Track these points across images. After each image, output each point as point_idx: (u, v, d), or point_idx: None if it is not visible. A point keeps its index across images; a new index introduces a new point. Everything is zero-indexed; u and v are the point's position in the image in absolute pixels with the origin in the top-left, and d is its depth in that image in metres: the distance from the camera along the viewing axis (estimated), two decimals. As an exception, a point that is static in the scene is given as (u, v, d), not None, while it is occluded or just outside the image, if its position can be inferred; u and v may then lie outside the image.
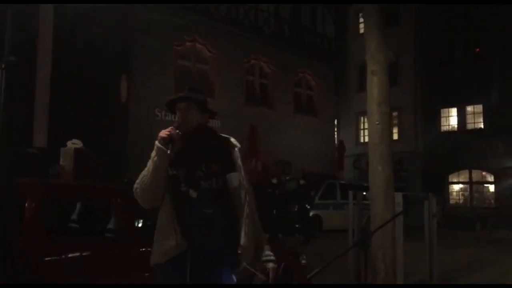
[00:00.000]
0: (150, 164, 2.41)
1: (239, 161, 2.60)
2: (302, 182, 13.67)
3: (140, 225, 5.06)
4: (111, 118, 14.46)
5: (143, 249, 4.13)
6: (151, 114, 14.52)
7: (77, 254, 4.00)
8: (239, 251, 2.44)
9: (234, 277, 2.49)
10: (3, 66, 2.30)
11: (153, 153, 2.41)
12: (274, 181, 13.67)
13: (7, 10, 2.29)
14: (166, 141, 2.39)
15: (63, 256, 3.90)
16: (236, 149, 2.64)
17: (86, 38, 14.63)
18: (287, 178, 15.11)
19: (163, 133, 2.41)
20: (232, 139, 2.68)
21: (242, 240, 2.44)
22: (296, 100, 19.81)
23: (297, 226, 13.31)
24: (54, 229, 4.36)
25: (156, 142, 2.41)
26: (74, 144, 4.67)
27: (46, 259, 3.81)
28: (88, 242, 4.21)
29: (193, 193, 2.43)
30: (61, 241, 4.09)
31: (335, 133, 23.33)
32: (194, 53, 16.51)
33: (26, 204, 3.70)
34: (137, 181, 2.46)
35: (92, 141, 6.93)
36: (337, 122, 24.02)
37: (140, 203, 2.48)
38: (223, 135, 2.69)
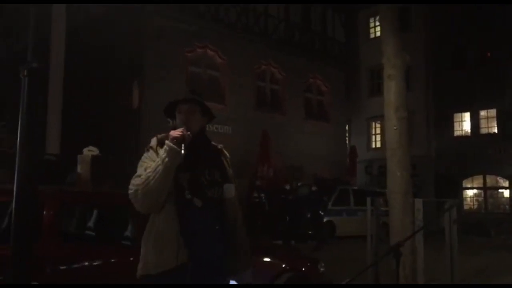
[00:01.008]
0: (158, 165, 2.25)
1: (231, 171, 2.58)
2: (314, 188, 13.57)
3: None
4: (123, 124, 14.52)
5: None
6: (163, 120, 14.46)
7: (93, 261, 3.95)
8: (237, 262, 2.48)
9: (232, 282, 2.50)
10: (25, 73, 2.26)
11: (163, 154, 2.26)
12: (287, 187, 13.59)
13: (30, 13, 2.25)
14: (179, 141, 2.28)
15: (79, 264, 3.86)
16: (228, 159, 2.62)
17: (98, 44, 14.75)
18: (299, 183, 15.02)
19: (175, 133, 2.30)
20: (224, 149, 2.64)
21: (241, 251, 2.50)
22: (307, 105, 19.74)
23: (310, 232, 13.19)
24: (70, 236, 4.34)
25: (167, 142, 2.28)
26: (90, 151, 4.64)
27: (62, 267, 3.78)
28: (104, 249, 4.16)
29: (198, 202, 2.33)
30: (77, 248, 4.07)
31: (347, 138, 23.20)
32: (205, 60, 16.53)
33: (44, 212, 3.69)
34: (136, 182, 2.28)
35: (104, 148, 6.92)
36: (348, 127, 23.90)
37: (138, 207, 2.31)
38: (214, 143, 2.62)
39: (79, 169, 4.45)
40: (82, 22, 15.43)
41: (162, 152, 2.28)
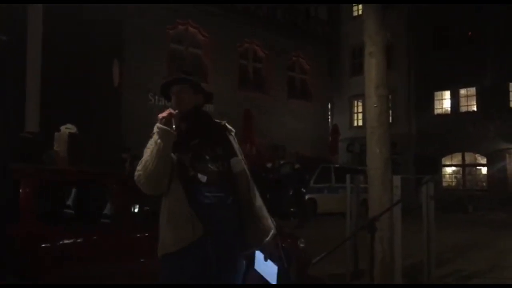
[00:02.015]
0: (152, 148, 2.31)
1: (237, 146, 2.61)
2: (297, 166, 13.64)
3: (136, 210, 5.02)
4: (104, 103, 14.32)
5: (140, 235, 4.11)
6: (144, 99, 14.38)
7: (72, 240, 3.94)
8: (258, 232, 2.48)
9: (244, 262, 2.52)
10: (-7, 46, 2.18)
11: (155, 137, 2.31)
12: (269, 165, 13.65)
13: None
14: (167, 120, 2.31)
15: (58, 242, 3.84)
16: (232, 133, 2.65)
17: (77, 20, 14.38)
18: (282, 162, 15.08)
19: (162, 114, 2.33)
20: (227, 124, 2.67)
21: (260, 221, 2.50)
22: (289, 84, 19.72)
23: (292, 209, 13.32)
24: (49, 215, 4.30)
25: (157, 124, 2.32)
26: (68, 128, 4.57)
27: (41, 245, 3.76)
28: (83, 228, 4.15)
29: (202, 177, 2.38)
30: (56, 227, 4.04)
31: (329, 117, 23.31)
32: (187, 37, 16.32)
33: (20, 190, 3.64)
34: (138, 168, 2.34)
35: (85, 126, 6.83)
36: (331, 106, 23.99)
37: (144, 191, 2.36)
38: (217, 120, 2.66)
39: (55, 146, 4.39)
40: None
41: (154, 135, 2.32)
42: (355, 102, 24.09)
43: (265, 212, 2.57)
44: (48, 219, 4.09)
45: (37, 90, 11.23)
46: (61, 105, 13.09)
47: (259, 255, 2.57)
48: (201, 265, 2.33)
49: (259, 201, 2.57)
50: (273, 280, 2.44)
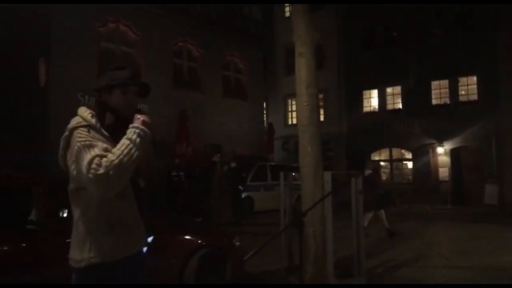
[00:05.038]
0: (131, 148, 2.11)
1: None
2: (233, 165, 13.70)
3: (64, 215, 4.83)
4: (30, 103, 13.61)
5: (67, 241, 3.95)
6: (74, 98, 13.80)
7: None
8: None
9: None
10: None
11: (136, 138, 2.15)
12: (205, 164, 13.61)
13: None
14: (150, 127, 2.23)
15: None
16: None
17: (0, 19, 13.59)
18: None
19: (147, 118, 2.23)
20: None
21: None
22: (224, 84, 19.74)
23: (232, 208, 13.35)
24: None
25: (141, 127, 2.18)
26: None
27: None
28: (7, 234, 3.93)
29: (142, 183, 2.35)
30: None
31: (264, 115, 23.59)
32: (118, 35, 15.86)
33: None
34: (106, 164, 2.03)
35: (12, 128, 6.47)
36: (266, 105, 24.29)
37: (104, 190, 2.05)
38: None
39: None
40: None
41: (132, 135, 2.15)
42: (290, 100, 24.56)
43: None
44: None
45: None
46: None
47: None
48: (136, 273, 2.29)
49: None
50: None
